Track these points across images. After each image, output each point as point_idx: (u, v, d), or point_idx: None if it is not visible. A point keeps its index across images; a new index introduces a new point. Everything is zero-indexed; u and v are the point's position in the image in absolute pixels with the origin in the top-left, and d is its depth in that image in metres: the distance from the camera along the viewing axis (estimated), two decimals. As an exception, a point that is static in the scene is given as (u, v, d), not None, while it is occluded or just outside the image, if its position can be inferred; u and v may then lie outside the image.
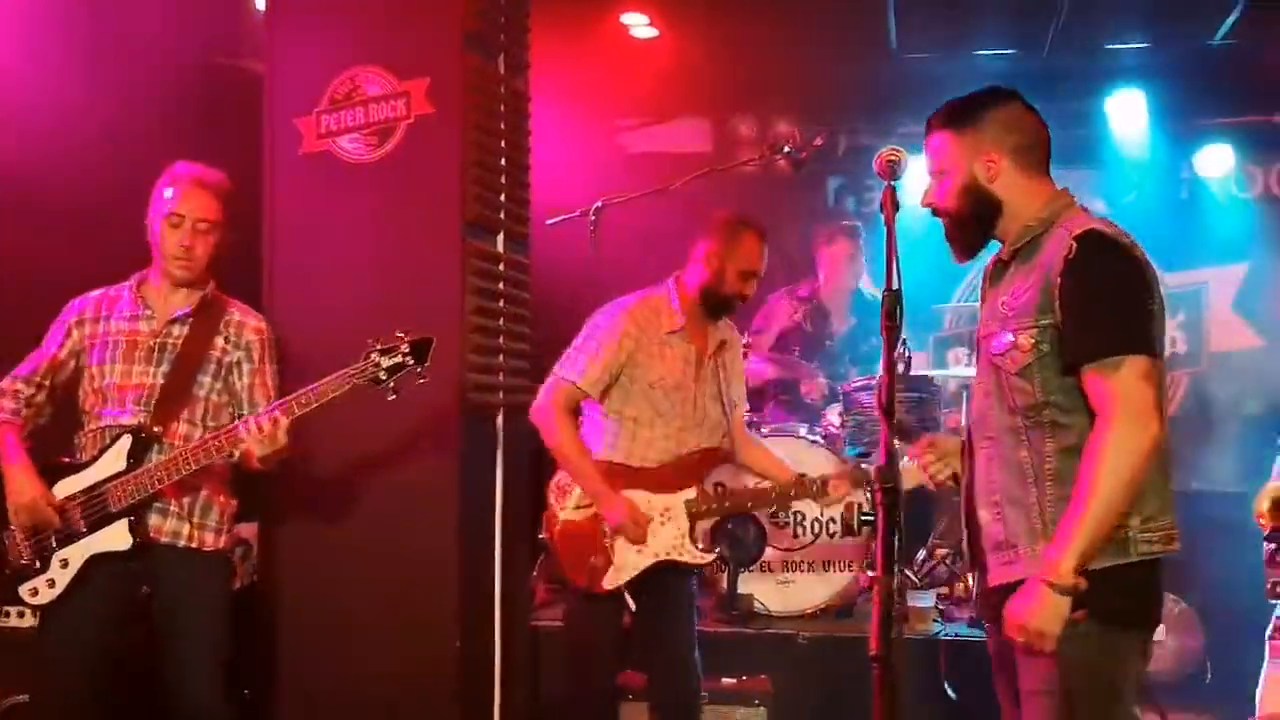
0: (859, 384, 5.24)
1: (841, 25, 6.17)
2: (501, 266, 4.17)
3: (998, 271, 2.53)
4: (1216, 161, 6.73)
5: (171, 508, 3.26)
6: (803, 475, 3.71)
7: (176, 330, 3.34)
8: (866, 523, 2.13)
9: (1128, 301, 2.29)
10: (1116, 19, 6.06)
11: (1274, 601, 3.05)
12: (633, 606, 3.52)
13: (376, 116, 3.91)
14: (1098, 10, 5.84)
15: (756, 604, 4.67)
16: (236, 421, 3.21)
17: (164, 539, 3.25)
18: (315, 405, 3.16)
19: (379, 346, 3.15)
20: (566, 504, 3.59)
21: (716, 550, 3.72)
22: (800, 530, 4.76)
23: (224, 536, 3.38)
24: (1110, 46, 6.41)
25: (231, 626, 3.39)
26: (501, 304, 4.16)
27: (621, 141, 7.19)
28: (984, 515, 2.45)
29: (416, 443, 3.88)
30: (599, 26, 6.09)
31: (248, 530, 4.27)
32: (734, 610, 4.62)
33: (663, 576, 3.55)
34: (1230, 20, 5.91)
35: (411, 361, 3.16)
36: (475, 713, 3.99)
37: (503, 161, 4.15)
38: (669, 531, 3.54)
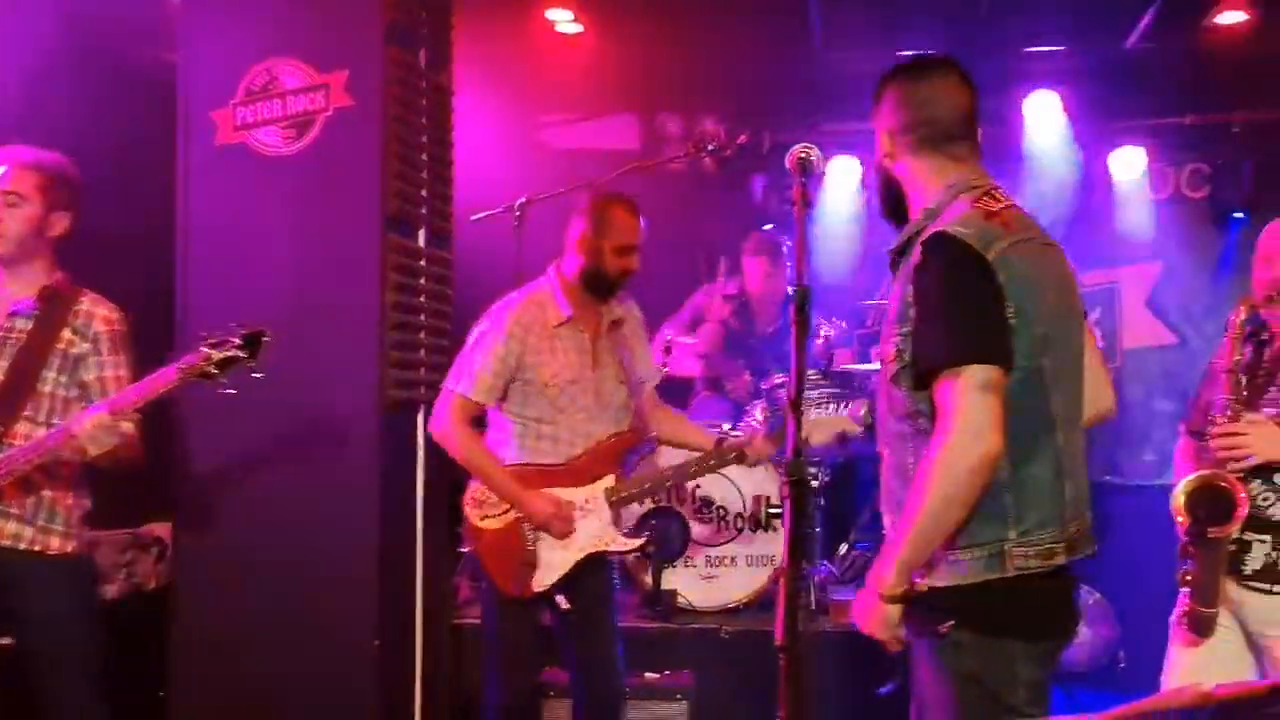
0: (780, 381, 5.28)
1: (767, 23, 6.20)
2: (423, 262, 4.14)
3: (893, 271, 2.45)
4: (1130, 162, 6.87)
5: (12, 510, 3.12)
6: (721, 440, 3.66)
7: (20, 324, 3.18)
8: (774, 516, 2.16)
9: (968, 309, 2.18)
10: (1035, 22, 6.16)
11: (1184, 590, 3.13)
12: (564, 605, 3.48)
13: (294, 109, 3.86)
14: (1017, 12, 5.94)
15: (680, 599, 4.69)
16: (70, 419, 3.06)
17: (4, 542, 3.11)
18: (146, 401, 3.03)
19: (210, 340, 3.05)
20: (485, 514, 3.52)
21: (645, 535, 3.68)
22: (724, 525, 4.79)
23: (73, 540, 3.20)
24: (1029, 49, 6.53)
25: (93, 632, 3.23)
26: (423, 300, 4.13)
27: (548, 138, 7.16)
28: (885, 520, 2.48)
29: (335, 440, 3.84)
30: (524, 22, 6.05)
31: (162, 529, 4.20)
32: (658, 606, 4.63)
33: (588, 572, 3.52)
34: (1142, 25, 6.05)
35: (244, 355, 3.06)
36: (396, 713, 3.96)
37: (424, 156, 4.12)
38: (592, 523, 3.50)
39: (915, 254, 2.25)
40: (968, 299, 2.18)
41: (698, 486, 4.76)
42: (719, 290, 5.80)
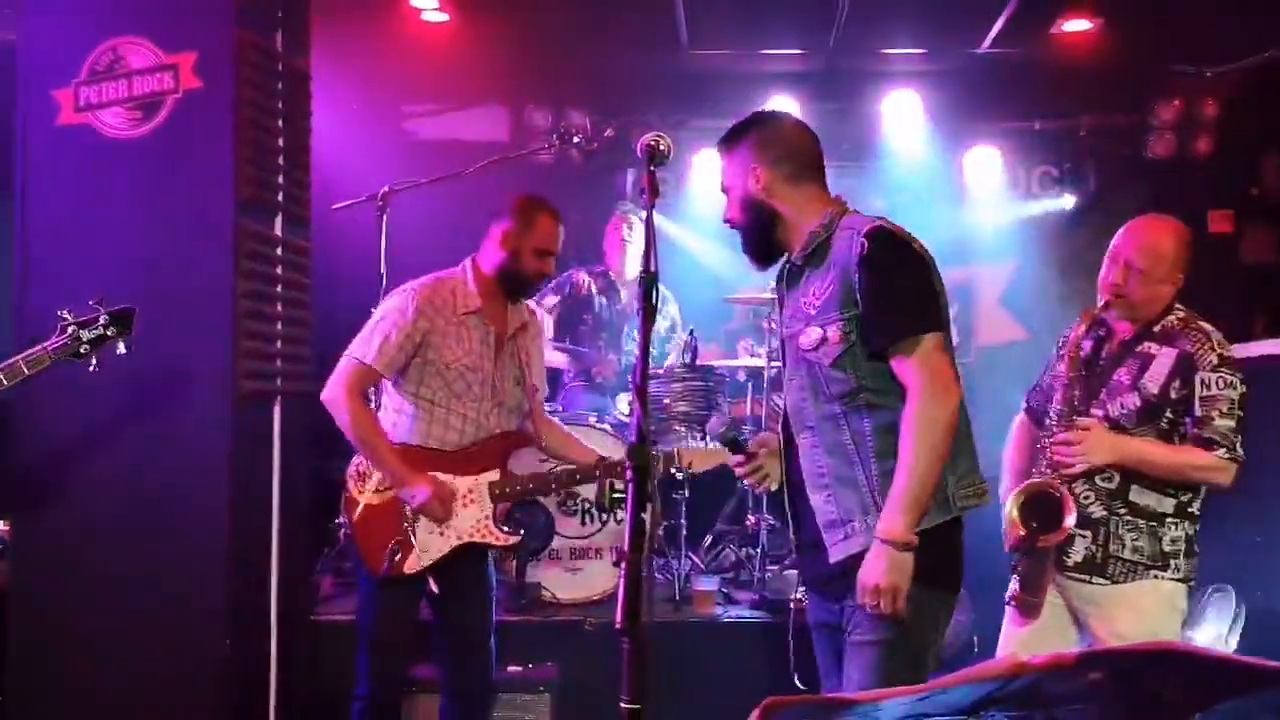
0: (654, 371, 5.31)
1: (634, 19, 6.25)
2: (279, 250, 4.03)
3: (792, 276, 2.73)
4: (985, 163, 7.11)
5: None
6: (603, 458, 3.70)
7: None
8: (617, 501, 2.18)
9: (916, 287, 2.54)
10: (893, 25, 6.33)
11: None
12: (435, 590, 3.45)
13: (141, 90, 3.73)
14: (875, 15, 6.09)
15: (545, 591, 4.69)
16: None
17: None
18: (9, 384, 2.99)
19: (75, 319, 3.02)
20: (366, 488, 3.49)
21: (522, 533, 3.67)
22: (588, 518, 4.80)
23: None
24: (888, 51, 6.71)
25: None
26: (279, 288, 4.03)
27: (414, 128, 7.08)
28: (815, 499, 2.62)
29: (185, 433, 3.73)
30: (388, 9, 5.97)
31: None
32: (522, 599, 4.62)
33: (464, 562, 3.51)
34: (994, 30, 6.27)
35: (112, 332, 3.04)
36: (248, 714, 3.86)
37: (280, 141, 4.02)
38: (472, 514, 3.49)
39: (848, 246, 2.56)
40: (915, 278, 2.55)
41: (563, 478, 4.76)
42: (587, 268, 5.82)
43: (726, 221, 2.78)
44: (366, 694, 3.50)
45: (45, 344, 2.99)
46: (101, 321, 3.04)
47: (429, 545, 3.46)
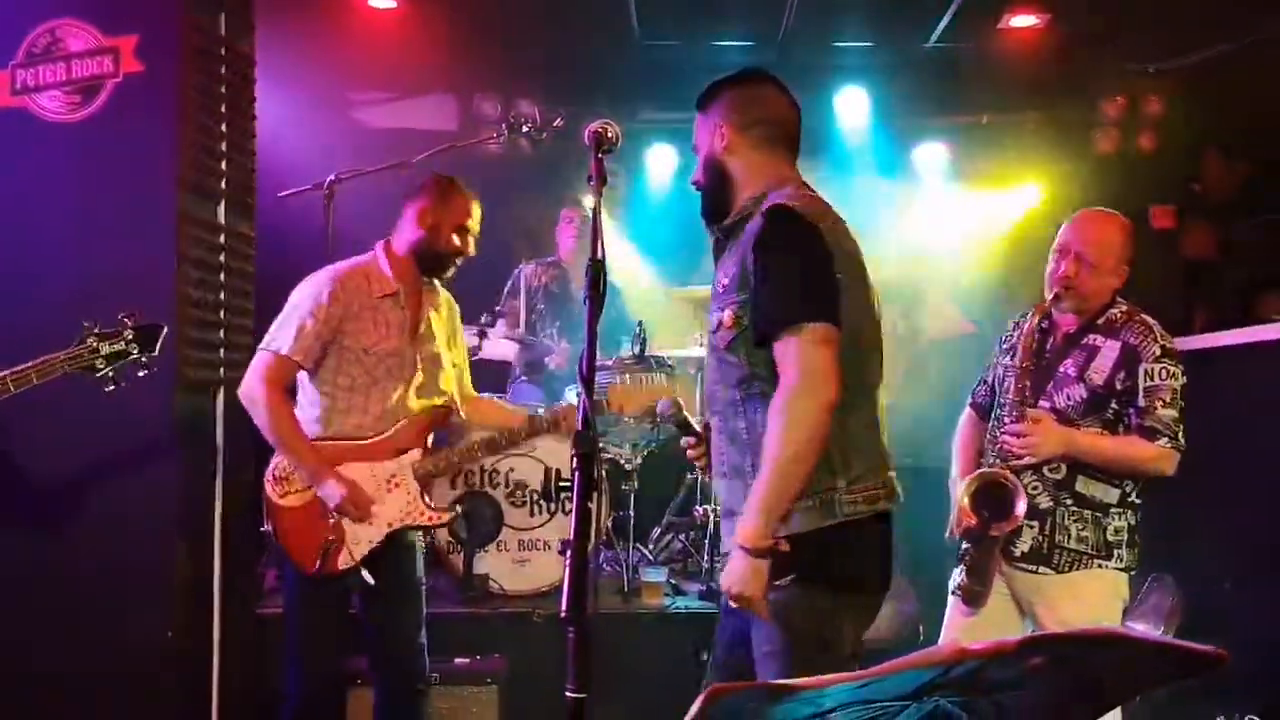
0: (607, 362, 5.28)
1: (585, 8, 6.23)
2: (222, 238, 3.97)
3: (718, 251, 2.62)
4: (933, 158, 7.17)
5: None
6: (533, 415, 3.66)
7: None
8: (564, 489, 2.17)
9: (807, 272, 2.36)
10: (842, 17, 6.36)
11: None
12: (371, 581, 3.39)
13: (80, 73, 3.66)
14: (825, 8, 6.12)
15: (492, 583, 4.66)
16: None
17: None
18: (16, 390, 2.88)
19: (97, 330, 2.86)
20: (287, 490, 3.41)
21: (454, 509, 3.63)
22: (536, 510, 4.78)
23: None
24: (837, 44, 6.73)
25: None
26: (222, 277, 3.97)
27: (362, 116, 7.00)
28: (716, 485, 2.57)
29: (127, 421, 3.66)
30: (335, -4, 5.90)
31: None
32: (470, 591, 4.60)
33: (389, 559, 3.46)
34: (941, 25, 6.31)
35: (136, 350, 2.89)
36: (190, 705, 3.81)
37: (223, 127, 3.96)
38: (399, 498, 3.45)
39: (754, 225, 2.41)
40: (806, 263, 2.37)
41: (511, 470, 4.74)
42: (538, 260, 5.81)
43: (693, 184, 2.65)
44: (296, 694, 3.44)
45: (59, 353, 2.84)
46: (125, 335, 2.87)
47: (360, 537, 3.40)
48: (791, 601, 2.35)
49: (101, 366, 2.89)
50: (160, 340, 2.97)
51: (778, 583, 2.34)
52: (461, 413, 3.69)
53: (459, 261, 3.56)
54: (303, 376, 3.45)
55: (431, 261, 3.52)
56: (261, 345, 3.40)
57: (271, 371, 3.35)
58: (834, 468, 2.37)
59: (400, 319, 3.48)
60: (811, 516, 2.35)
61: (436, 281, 3.61)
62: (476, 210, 3.55)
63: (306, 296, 3.40)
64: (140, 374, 3.01)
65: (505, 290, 5.78)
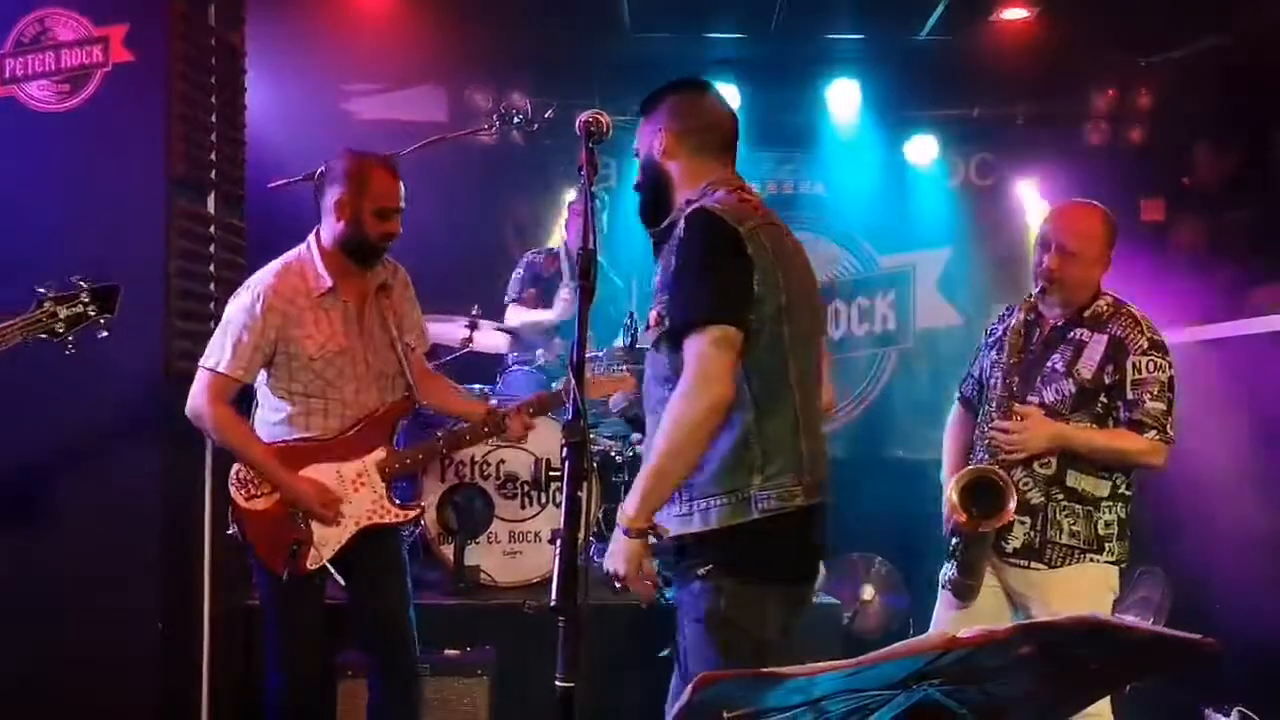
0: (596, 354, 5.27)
1: (577, 1, 6.21)
2: (212, 228, 3.96)
3: (656, 252, 2.69)
4: (923, 151, 7.17)
5: None
6: (493, 408, 3.62)
7: None
8: (554, 479, 2.18)
9: (715, 273, 2.43)
10: (833, 9, 6.36)
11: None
12: (341, 582, 3.39)
13: (69, 63, 3.65)
14: (816, 0, 6.12)
15: (483, 575, 4.65)
16: None
17: None
18: None
19: (53, 294, 2.84)
20: (252, 493, 3.36)
21: (422, 505, 3.61)
22: (527, 501, 4.77)
23: None
24: (829, 36, 6.73)
25: None
26: (212, 268, 3.96)
27: (353, 108, 6.97)
28: None
29: (117, 413, 3.67)
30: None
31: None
32: (461, 583, 4.59)
33: (369, 544, 3.44)
34: (934, 18, 6.32)
35: (94, 311, 2.87)
36: (180, 699, 3.81)
37: (213, 118, 3.95)
38: (365, 497, 3.42)
39: (679, 228, 2.50)
40: (718, 266, 2.43)
41: (502, 461, 4.74)
42: (542, 250, 5.78)
43: (635, 187, 2.72)
44: (277, 685, 3.43)
45: (15, 319, 2.82)
46: (82, 299, 2.86)
47: (327, 538, 3.38)
48: (710, 590, 2.46)
49: (62, 330, 2.87)
50: (118, 300, 2.95)
51: (699, 572, 2.48)
52: (420, 398, 3.58)
53: (388, 244, 3.40)
54: (261, 383, 3.38)
55: (359, 251, 3.36)
56: (201, 362, 3.32)
57: (213, 389, 3.28)
58: (751, 466, 2.46)
59: (343, 314, 3.38)
60: (727, 513, 2.45)
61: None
62: (398, 188, 3.37)
63: (240, 310, 3.30)
64: (100, 335, 2.99)
65: (517, 278, 5.73)
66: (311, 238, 3.42)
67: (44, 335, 2.86)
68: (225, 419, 3.29)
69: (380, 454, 3.44)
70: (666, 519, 2.51)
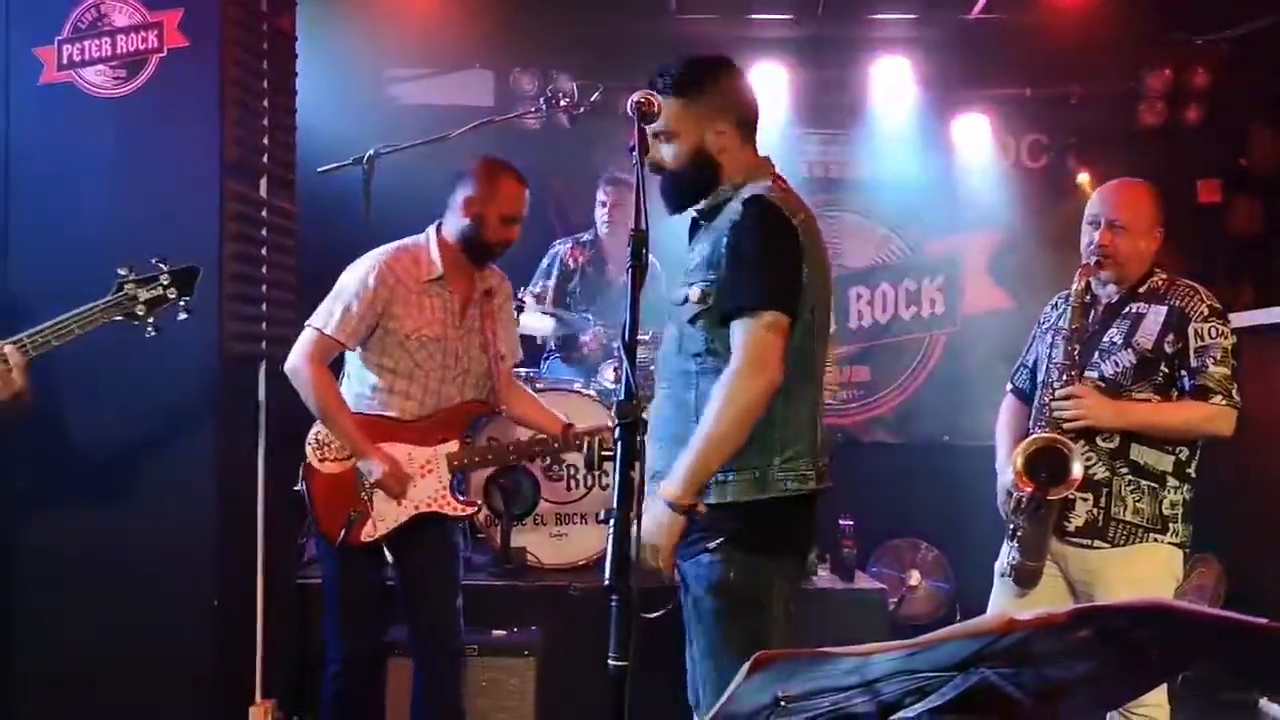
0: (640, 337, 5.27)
1: (623, -17, 6.21)
2: (264, 213, 4.00)
3: (694, 230, 2.73)
4: (974, 131, 7.06)
5: None
6: (569, 425, 3.70)
7: None
8: (607, 459, 2.19)
9: (774, 262, 2.52)
10: (883, -12, 6.30)
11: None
12: (390, 559, 3.46)
13: (125, 48, 3.68)
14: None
15: (529, 556, 4.69)
16: None
17: None
18: (58, 343, 2.89)
19: (134, 276, 2.88)
20: (325, 456, 3.51)
21: (479, 504, 3.69)
22: (574, 483, 4.80)
23: None
24: (877, 16, 6.66)
25: None
26: (264, 252, 4.00)
27: (399, 92, 7.00)
28: (650, 449, 2.56)
29: (172, 395, 3.72)
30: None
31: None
32: (507, 564, 4.62)
33: (424, 528, 3.51)
34: (985, -3, 6.24)
35: (174, 294, 2.91)
36: (236, 676, 3.87)
37: (265, 103, 3.98)
38: (430, 484, 3.51)
39: (732, 211, 2.57)
40: (776, 253, 2.53)
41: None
42: (574, 239, 5.77)
43: (657, 168, 2.69)
44: (338, 659, 3.52)
45: (97, 302, 2.86)
46: (162, 281, 2.90)
47: (385, 514, 3.47)
48: (719, 563, 2.55)
49: (142, 313, 2.90)
50: (197, 282, 2.99)
51: (709, 545, 2.56)
52: (501, 405, 3.70)
53: (504, 249, 3.58)
54: (353, 354, 3.50)
55: (476, 250, 3.54)
56: (308, 321, 3.47)
57: (315, 348, 3.43)
58: (772, 447, 2.55)
59: (446, 304, 3.51)
60: (745, 488, 2.54)
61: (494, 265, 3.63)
62: (524, 196, 3.54)
63: (354, 279, 3.45)
64: (181, 318, 3.02)
65: (540, 268, 5.74)
66: (432, 228, 3.56)
67: (123, 317, 2.89)
68: (320, 378, 3.42)
69: (452, 446, 3.53)
70: None
